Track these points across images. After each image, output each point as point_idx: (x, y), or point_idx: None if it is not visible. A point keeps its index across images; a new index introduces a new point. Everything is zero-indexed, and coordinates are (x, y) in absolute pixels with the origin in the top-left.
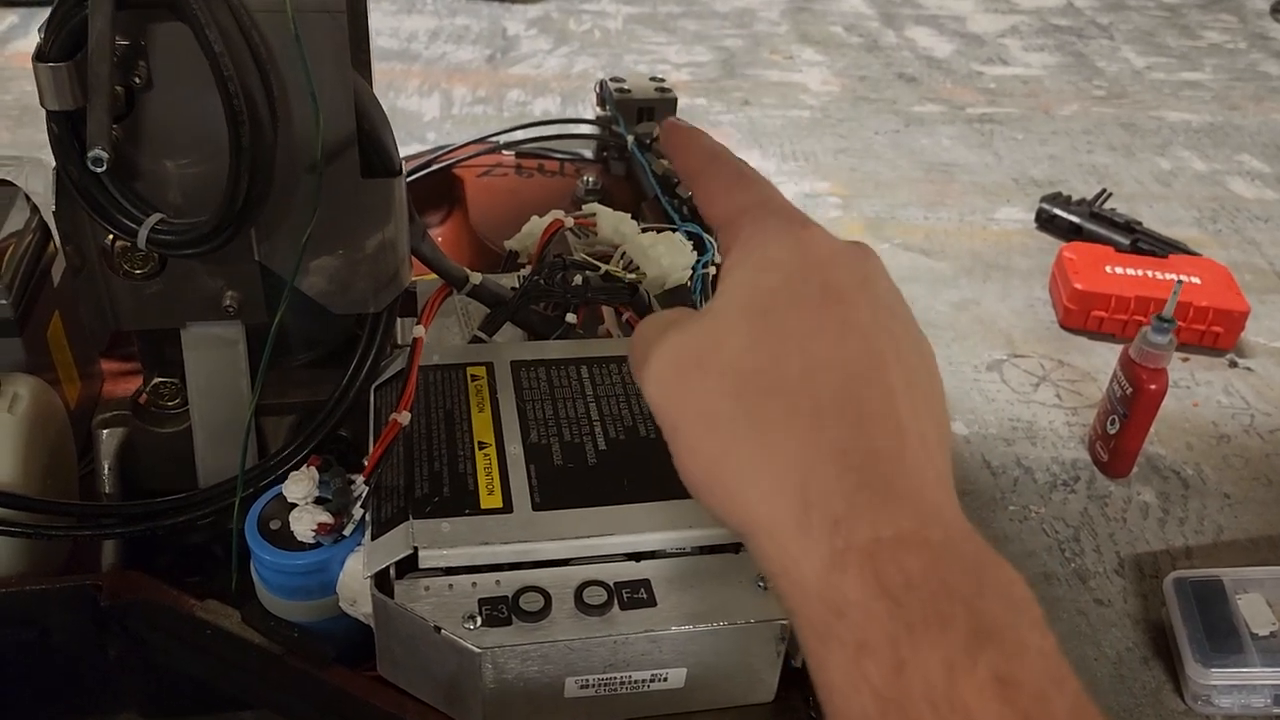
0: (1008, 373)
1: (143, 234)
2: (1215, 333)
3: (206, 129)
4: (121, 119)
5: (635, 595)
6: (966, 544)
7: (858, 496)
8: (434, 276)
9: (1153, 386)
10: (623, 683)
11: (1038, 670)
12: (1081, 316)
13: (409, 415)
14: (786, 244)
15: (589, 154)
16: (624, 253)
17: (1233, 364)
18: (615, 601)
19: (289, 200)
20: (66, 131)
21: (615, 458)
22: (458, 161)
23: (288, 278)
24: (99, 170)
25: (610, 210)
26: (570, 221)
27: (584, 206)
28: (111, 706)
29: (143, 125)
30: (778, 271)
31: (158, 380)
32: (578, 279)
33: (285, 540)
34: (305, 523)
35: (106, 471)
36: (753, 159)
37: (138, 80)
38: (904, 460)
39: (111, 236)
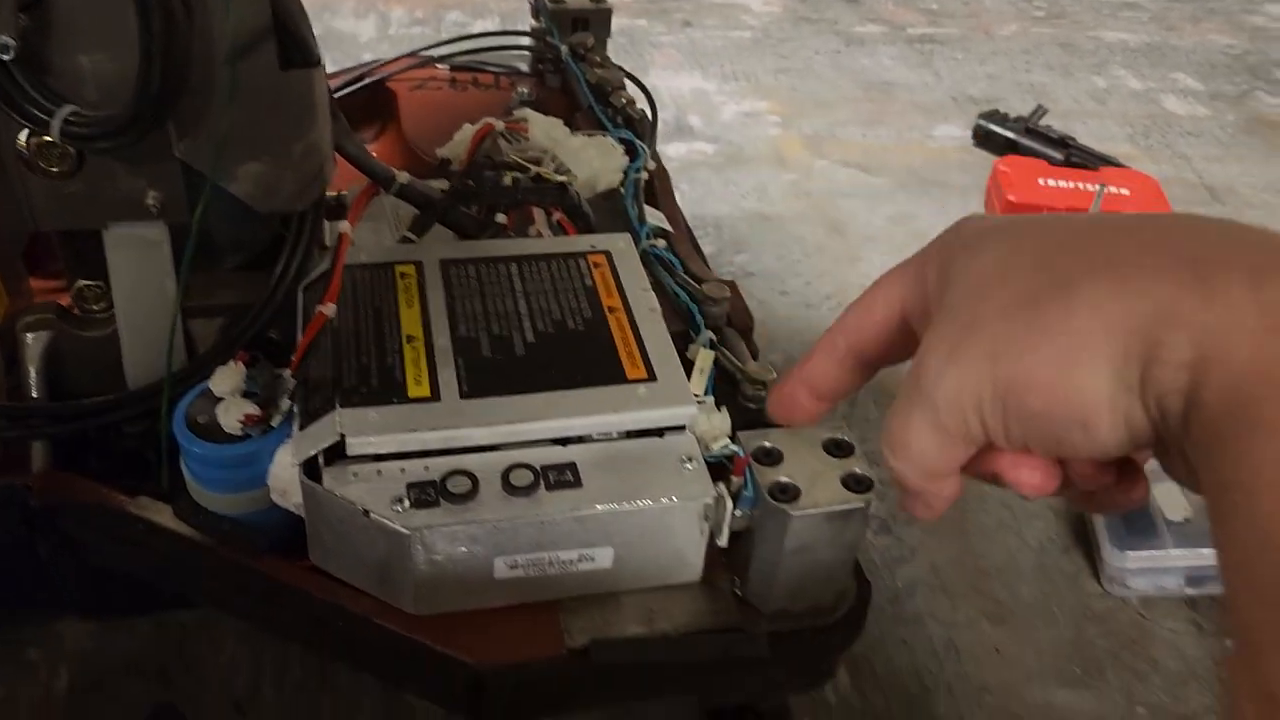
0: None
1: (55, 125)
2: None
3: (121, 22)
4: (29, 8)
5: (561, 477)
6: None
7: (1266, 248)
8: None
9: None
10: (551, 563)
11: None
12: None
13: (335, 307)
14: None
15: (524, 67)
16: (555, 156)
17: None
18: (541, 483)
19: (207, 94)
20: None
21: (543, 349)
22: (390, 75)
23: (209, 174)
24: (5, 59)
25: (541, 115)
26: (501, 125)
27: (515, 113)
28: (49, 610)
29: (53, 16)
30: (982, 259)
31: (82, 283)
32: (507, 180)
33: (213, 433)
34: (232, 414)
35: (33, 375)
36: (693, 80)
37: None
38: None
39: (27, 133)
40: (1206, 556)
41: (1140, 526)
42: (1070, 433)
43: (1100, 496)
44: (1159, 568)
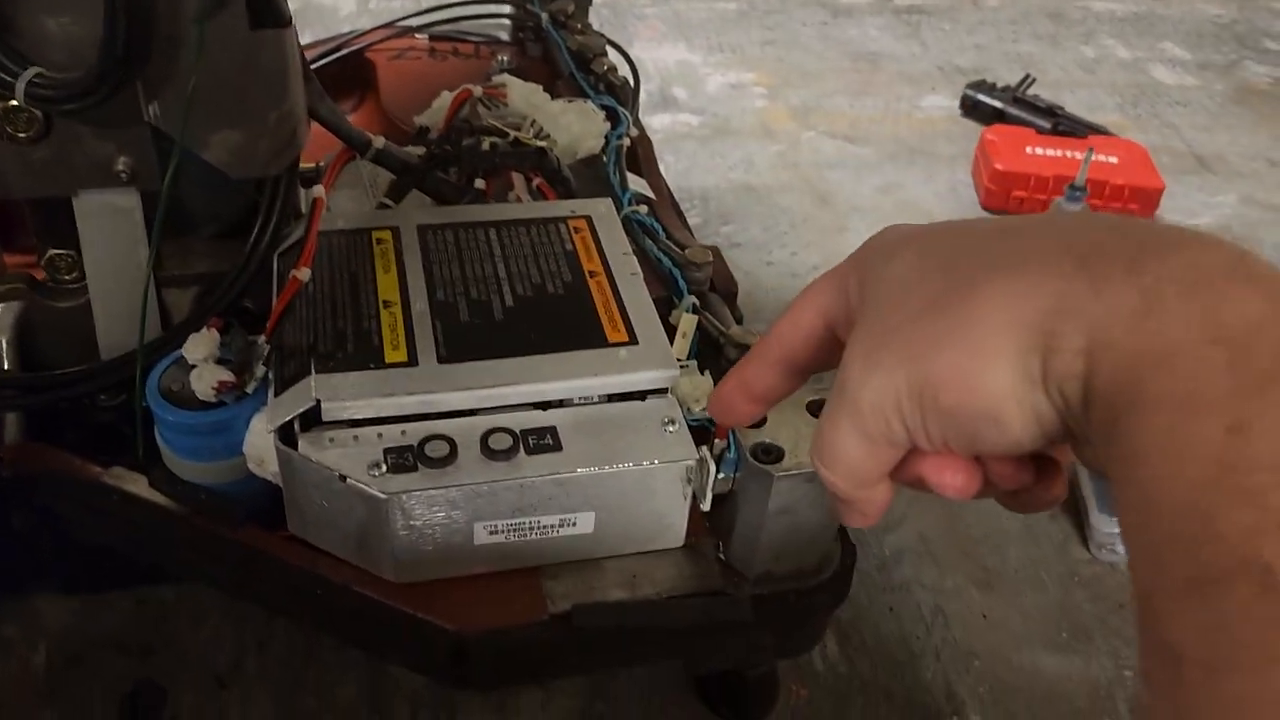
0: None
1: (20, 86)
2: (1131, 210)
3: None
4: None
5: (541, 441)
6: None
7: (1147, 238)
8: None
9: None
10: (532, 528)
11: None
12: (1002, 197)
13: (309, 272)
14: (883, 266)
15: (505, 36)
16: (534, 120)
17: None
18: (521, 447)
19: (176, 54)
20: None
21: (522, 313)
22: (369, 45)
23: (179, 138)
24: None
25: (521, 81)
26: (479, 91)
27: (494, 78)
28: (27, 583)
29: None
30: (894, 269)
31: (53, 253)
32: (486, 145)
33: (187, 400)
34: (206, 380)
35: (4, 347)
36: (678, 51)
37: None
38: (1161, 226)
39: None
40: None
41: None
42: (983, 427)
43: (1023, 495)
44: None
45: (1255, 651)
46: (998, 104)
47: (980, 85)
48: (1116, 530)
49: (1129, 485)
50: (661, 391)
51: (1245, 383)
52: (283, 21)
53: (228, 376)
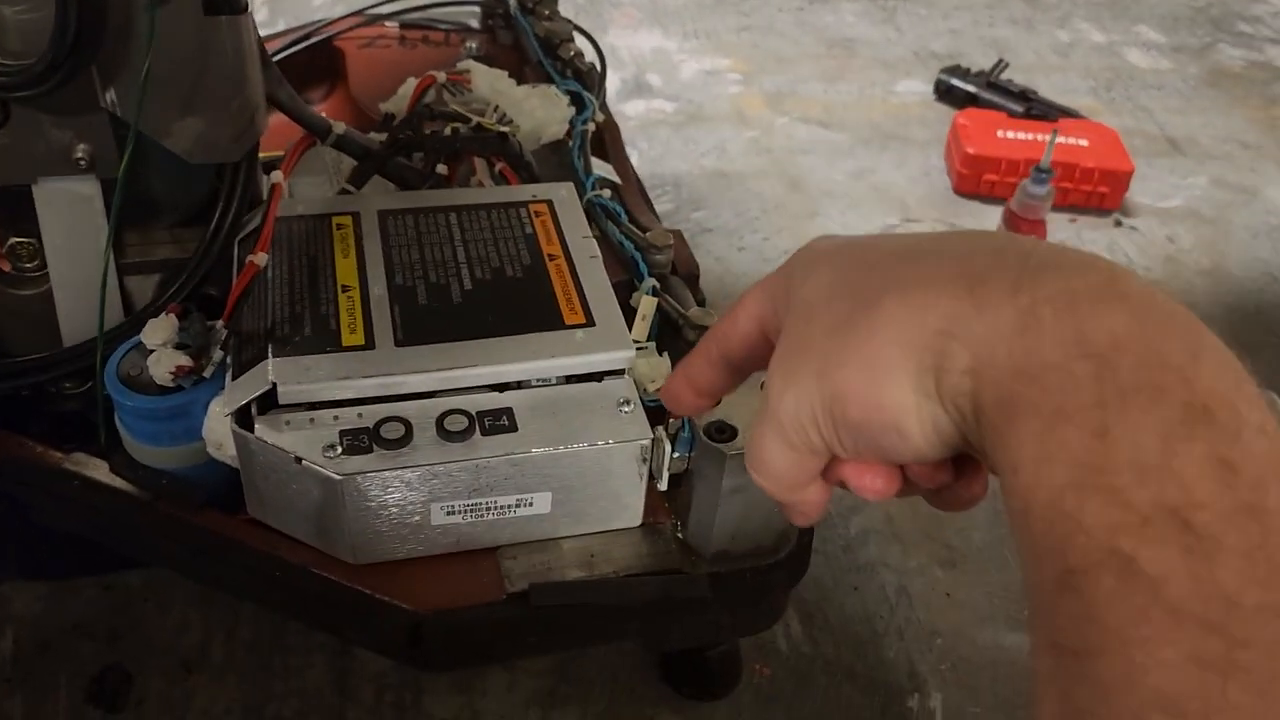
0: None
1: None
2: (1101, 193)
3: None
4: None
5: (497, 422)
6: (1167, 301)
7: (1029, 260)
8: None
9: (1033, 238)
10: (489, 508)
11: (1259, 453)
12: (974, 181)
13: (266, 257)
14: (797, 274)
15: (475, 23)
16: (497, 106)
17: (1118, 223)
18: (476, 428)
19: (131, 40)
20: None
21: (480, 296)
22: (338, 34)
23: (135, 124)
24: None
25: (485, 67)
26: (443, 77)
27: (459, 65)
28: None
29: None
30: (813, 286)
31: (14, 240)
32: (448, 130)
33: (145, 386)
34: (164, 365)
35: None
36: (654, 38)
37: None
38: (1048, 244)
39: None
40: None
41: None
42: (888, 439)
43: (944, 494)
44: None
45: (1119, 635)
46: (971, 89)
47: (954, 70)
48: None
49: (1011, 493)
50: (618, 373)
51: (1108, 394)
52: (238, 8)
53: (185, 361)
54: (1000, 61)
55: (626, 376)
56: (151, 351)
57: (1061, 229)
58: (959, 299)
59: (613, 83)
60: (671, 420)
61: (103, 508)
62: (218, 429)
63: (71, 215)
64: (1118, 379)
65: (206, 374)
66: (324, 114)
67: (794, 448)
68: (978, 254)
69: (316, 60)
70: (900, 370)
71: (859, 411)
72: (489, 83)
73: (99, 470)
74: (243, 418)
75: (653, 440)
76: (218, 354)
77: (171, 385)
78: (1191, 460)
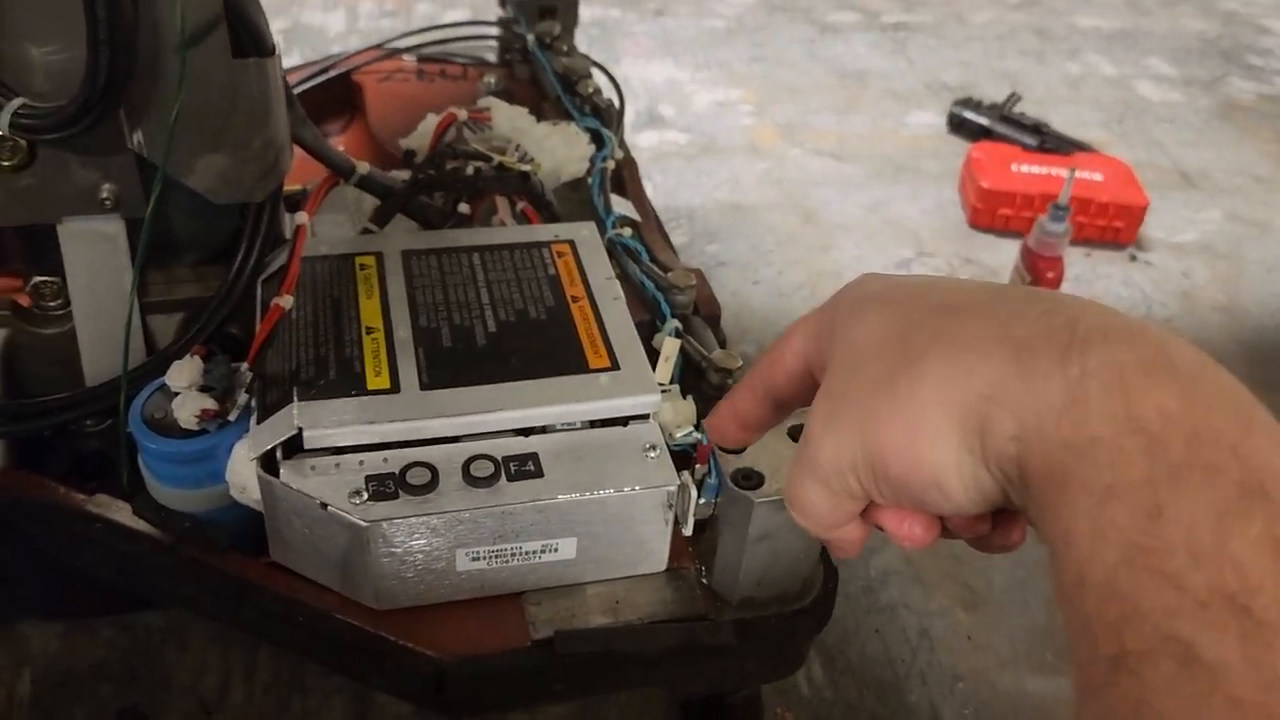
0: (915, 271)
1: (5, 117)
2: (1116, 228)
3: (69, 12)
4: None
5: (522, 467)
6: (1217, 373)
7: (1077, 329)
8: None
9: (1050, 274)
10: (514, 554)
11: None
12: (988, 215)
13: (291, 299)
14: (841, 317)
15: (492, 57)
16: (519, 144)
17: (1133, 258)
18: (502, 474)
19: (159, 83)
20: None
21: (505, 339)
22: (357, 68)
23: (162, 166)
24: None
25: (506, 104)
26: (463, 114)
27: (479, 101)
28: (12, 611)
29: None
30: (854, 332)
31: (38, 279)
32: (470, 169)
33: (169, 428)
34: (188, 409)
35: None
36: (665, 69)
37: None
38: (1098, 308)
39: None
40: None
41: None
42: (928, 494)
43: (982, 541)
44: None
45: None
46: (984, 121)
47: (967, 102)
48: None
49: (1062, 563)
50: (643, 417)
51: (1159, 472)
52: (265, 50)
53: (210, 404)
54: (1013, 94)
55: (652, 421)
56: (176, 394)
57: (1077, 263)
58: (1005, 364)
59: (626, 114)
60: (698, 466)
61: (125, 551)
62: (242, 472)
63: (96, 254)
64: (1168, 456)
65: (231, 417)
66: (343, 147)
67: (833, 492)
68: (1025, 317)
69: (335, 93)
70: (942, 431)
71: (899, 467)
72: (510, 120)
73: (121, 513)
74: (268, 462)
75: (679, 486)
76: (242, 397)
77: (196, 429)
78: (1247, 542)
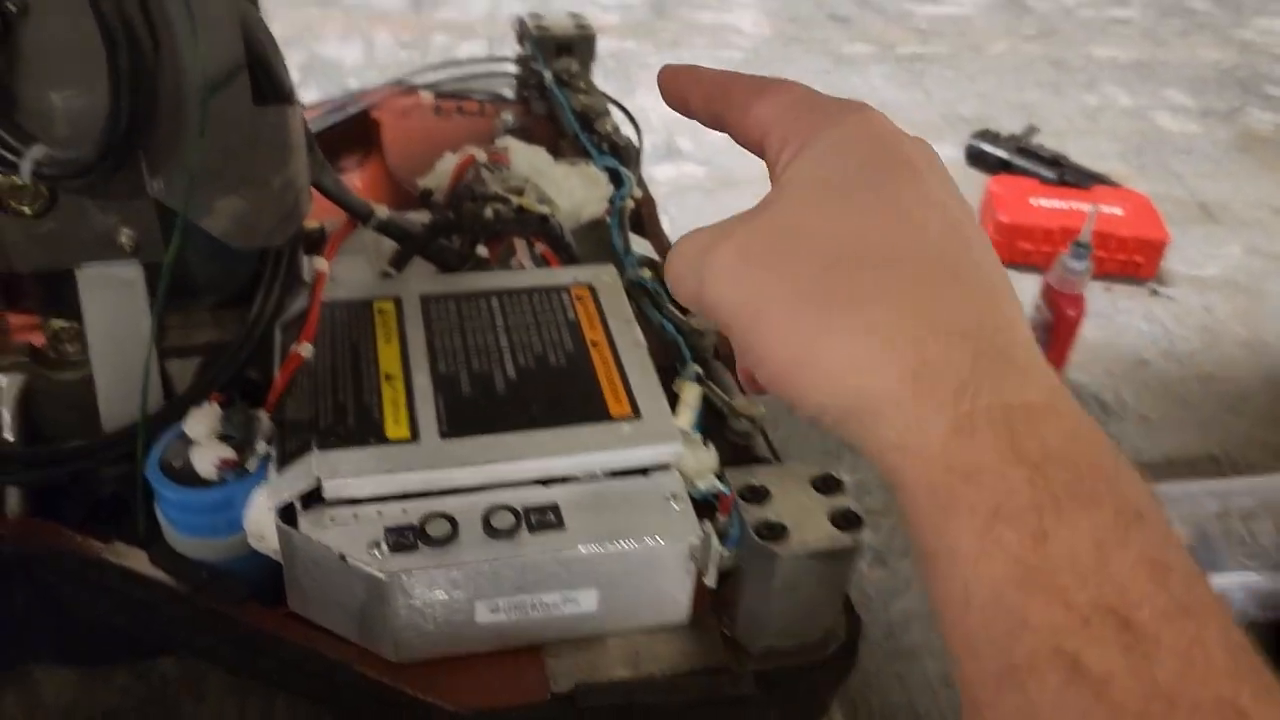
0: None
1: (25, 166)
2: (1136, 262)
3: (90, 58)
4: None
5: (543, 518)
6: (1092, 425)
7: (979, 363)
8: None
9: (1071, 312)
10: (534, 606)
11: (1183, 558)
12: (1008, 249)
13: (311, 347)
14: (850, 126)
15: (509, 93)
16: (537, 186)
17: (1154, 292)
18: (523, 525)
19: (178, 130)
20: None
21: (525, 386)
22: (374, 105)
23: (182, 212)
24: None
25: (524, 144)
26: (483, 156)
27: (497, 141)
28: (27, 658)
29: (21, 53)
30: (848, 153)
31: (56, 324)
32: (488, 212)
33: (188, 477)
34: (207, 458)
35: (6, 419)
36: None
37: (12, 7)
38: (1015, 332)
39: None
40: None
41: None
42: (782, 393)
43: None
44: None
45: None
46: (1002, 154)
47: (984, 135)
48: None
49: (945, 578)
50: (665, 466)
51: (1043, 499)
52: (286, 97)
53: (229, 454)
54: (1030, 126)
55: (674, 470)
56: (194, 442)
57: (1097, 298)
58: (902, 379)
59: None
60: (720, 517)
61: (141, 599)
62: (260, 522)
63: (114, 299)
64: (1051, 487)
65: (250, 466)
66: (360, 183)
67: (697, 302)
68: (939, 328)
69: (352, 130)
70: (827, 386)
71: (768, 375)
72: (527, 160)
73: (138, 561)
74: (286, 513)
75: (701, 538)
76: (261, 446)
77: (215, 478)
78: (1126, 564)
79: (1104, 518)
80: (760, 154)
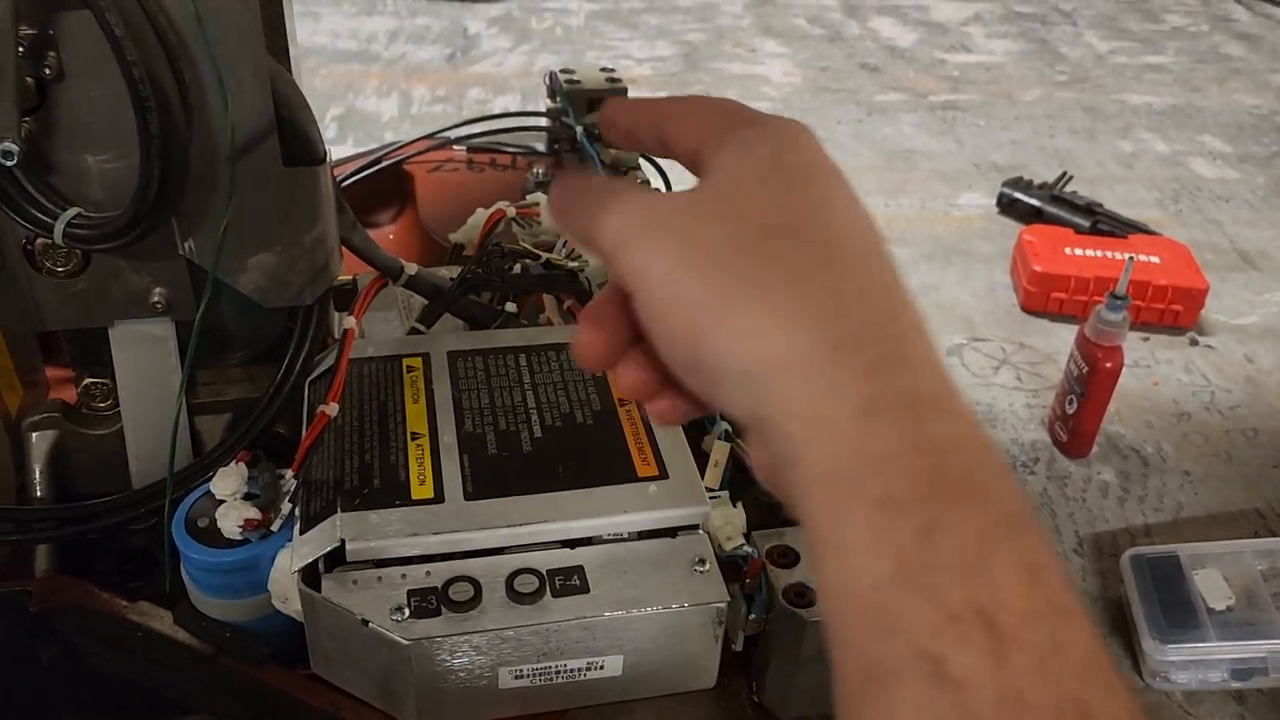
0: (968, 356)
1: (59, 229)
2: (1175, 311)
3: (126, 122)
4: (33, 112)
5: (568, 582)
6: (982, 426)
7: (889, 347)
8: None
9: (1108, 364)
10: (558, 672)
11: (1055, 563)
12: (1042, 299)
13: (337, 407)
14: (776, 129)
15: (541, 147)
16: (566, 241)
17: (1193, 342)
18: (547, 589)
19: (211, 192)
20: None
21: (551, 445)
22: (408, 158)
23: (213, 271)
24: (9, 164)
25: None
26: (513, 211)
27: (527, 196)
28: (48, 714)
29: (57, 118)
30: (774, 149)
31: (88, 381)
32: (517, 268)
33: (213, 537)
34: (232, 519)
35: (38, 475)
36: None
37: (48, 71)
38: (916, 330)
39: (31, 234)
40: (1252, 648)
41: (1181, 617)
42: (686, 366)
43: (653, 401)
44: (1202, 660)
45: None
46: (1035, 202)
47: (1017, 183)
48: (1171, 658)
49: (829, 566)
50: (693, 528)
51: (940, 490)
52: (317, 158)
53: (254, 514)
54: (1064, 174)
55: (701, 532)
56: (220, 501)
57: (1135, 348)
58: (822, 344)
59: None
60: (748, 580)
61: (164, 659)
62: (284, 582)
63: (146, 356)
64: (948, 479)
65: (275, 527)
66: (393, 236)
67: (610, 257)
68: (860, 311)
69: (387, 183)
70: (737, 349)
71: (678, 344)
72: None
73: (162, 622)
74: (309, 575)
75: (729, 602)
76: (286, 506)
77: (239, 538)
78: (1004, 563)
79: (991, 515)
80: (695, 167)
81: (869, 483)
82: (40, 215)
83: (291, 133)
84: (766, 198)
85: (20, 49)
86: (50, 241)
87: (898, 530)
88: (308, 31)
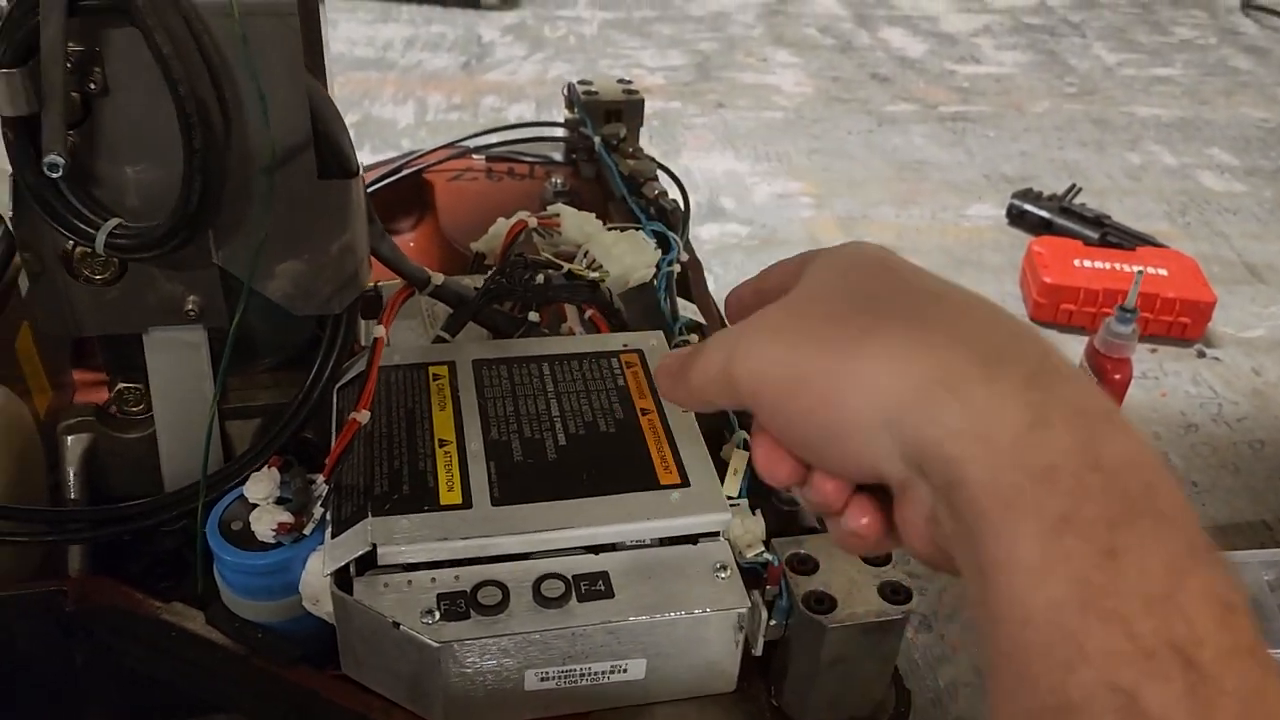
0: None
1: (100, 239)
2: (1183, 323)
3: (164, 134)
4: (78, 125)
5: (593, 587)
6: (1153, 445)
7: (1035, 360)
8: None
9: (1117, 376)
10: (583, 674)
11: (1245, 600)
12: (1051, 310)
13: (368, 414)
14: (846, 246)
15: (558, 156)
16: (587, 251)
17: (1201, 354)
18: (573, 594)
19: (246, 203)
20: (22, 138)
21: (575, 453)
22: (428, 167)
23: (246, 280)
24: (55, 176)
25: (574, 210)
26: (534, 222)
27: (549, 207)
28: (80, 712)
29: (100, 131)
30: (849, 260)
31: (122, 385)
32: (540, 278)
33: (246, 540)
34: (265, 522)
35: (72, 477)
36: (726, 160)
37: (93, 86)
38: (1058, 353)
39: (70, 242)
40: None
41: None
42: (818, 435)
43: (830, 521)
44: None
45: None
46: (1044, 214)
47: (1026, 194)
48: None
49: (996, 590)
50: (714, 535)
51: (1118, 512)
52: (350, 172)
53: (287, 518)
54: (1073, 186)
55: (722, 539)
56: (253, 505)
57: (1143, 360)
58: (971, 362)
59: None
60: (769, 587)
61: (197, 659)
62: (315, 585)
63: (179, 361)
64: (1129, 499)
65: (307, 531)
66: (414, 244)
67: (723, 380)
68: (996, 329)
69: (407, 192)
70: (877, 386)
71: (808, 399)
72: (578, 226)
73: (195, 622)
74: (341, 578)
75: (749, 608)
76: (318, 510)
77: (272, 541)
78: (1195, 594)
79: (1177, 542)
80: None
81: (1042, 499)
82: (82, 225)
83: (326, 146)
84: (858, 277)
85: (68, 64)
86: (88, 250)
87: (1077, 551)
88: None
